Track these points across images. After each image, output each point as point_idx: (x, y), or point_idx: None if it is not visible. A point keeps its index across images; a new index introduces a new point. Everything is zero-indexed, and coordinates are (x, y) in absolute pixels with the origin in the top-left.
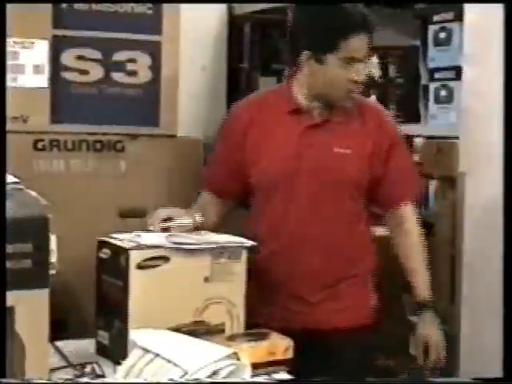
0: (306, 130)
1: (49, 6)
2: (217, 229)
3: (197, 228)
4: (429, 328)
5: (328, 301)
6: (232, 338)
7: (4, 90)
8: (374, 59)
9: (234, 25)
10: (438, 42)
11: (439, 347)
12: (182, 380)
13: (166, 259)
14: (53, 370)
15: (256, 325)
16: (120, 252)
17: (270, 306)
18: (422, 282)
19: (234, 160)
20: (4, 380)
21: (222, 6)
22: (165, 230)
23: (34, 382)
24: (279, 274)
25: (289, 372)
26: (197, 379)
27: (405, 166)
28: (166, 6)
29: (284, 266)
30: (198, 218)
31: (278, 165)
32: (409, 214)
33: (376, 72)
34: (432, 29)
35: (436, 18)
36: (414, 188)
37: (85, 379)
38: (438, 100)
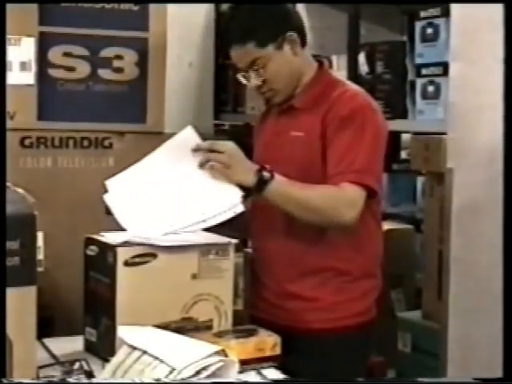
0: (276, 119)
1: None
2: None
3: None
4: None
5: (288, 298)
6: (220, 334)
7: (4, 89)
8: (361, 55)
9: (221, 21)
10: (425, 38)
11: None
12: (169, 379)
13: (153, 256)
14: (41, 367)
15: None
16: (107, 249)
17: (255, 296)
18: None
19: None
20: (5, 380)
21: None
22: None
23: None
24: (257, 266)
25: (277, 368)
26: (183, 379)
27: (341, 149)
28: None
29: (258, 259)
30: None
31: (259, 157)
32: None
33: (363, 68)
34: (419, 25)
35: (423, 13)
36: (348, 171)
37: (73, 376)
38: (425, 96)
